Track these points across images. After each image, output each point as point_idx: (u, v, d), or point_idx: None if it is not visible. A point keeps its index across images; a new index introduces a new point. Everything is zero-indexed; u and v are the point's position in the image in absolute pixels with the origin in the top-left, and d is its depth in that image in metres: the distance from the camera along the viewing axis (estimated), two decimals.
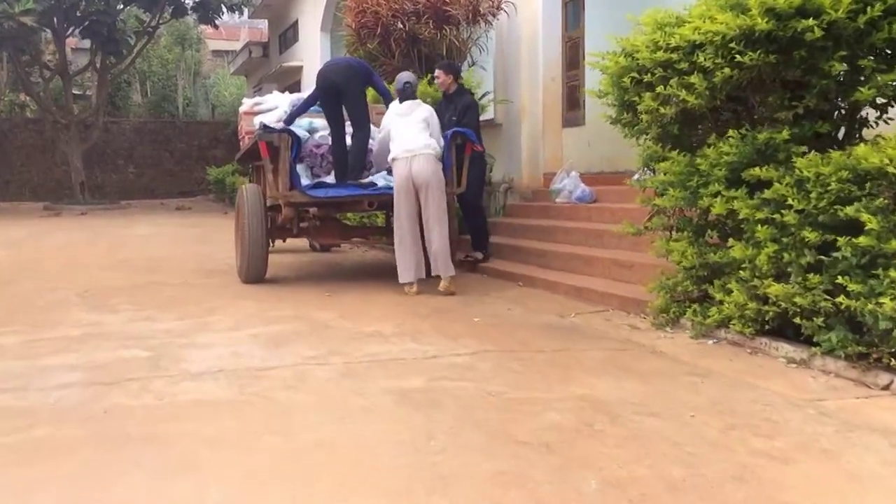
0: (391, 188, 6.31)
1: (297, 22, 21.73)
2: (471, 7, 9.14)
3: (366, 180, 6.69)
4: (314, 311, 5.58)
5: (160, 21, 23.20)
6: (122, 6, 22.09)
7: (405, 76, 6.68)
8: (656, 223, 4.95)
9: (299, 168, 6.83)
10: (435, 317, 5.33)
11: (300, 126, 7.22)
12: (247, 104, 7.75)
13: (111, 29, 21.00)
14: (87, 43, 23.13)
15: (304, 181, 6.64)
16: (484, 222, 7.72)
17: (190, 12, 22.80)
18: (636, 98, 4.67)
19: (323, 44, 19.28)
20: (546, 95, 9.37)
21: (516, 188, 9.69)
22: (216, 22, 23.46)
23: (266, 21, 26.53)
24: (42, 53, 22.38)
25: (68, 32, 22.08)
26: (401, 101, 6.44)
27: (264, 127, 6.43)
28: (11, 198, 24.71)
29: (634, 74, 4.62)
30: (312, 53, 20.02)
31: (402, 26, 8.85)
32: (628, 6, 11.71)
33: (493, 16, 9.44)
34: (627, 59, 4.66)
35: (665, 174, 4.54)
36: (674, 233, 4.86)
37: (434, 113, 6.48)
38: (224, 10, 22.92)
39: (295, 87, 22.37)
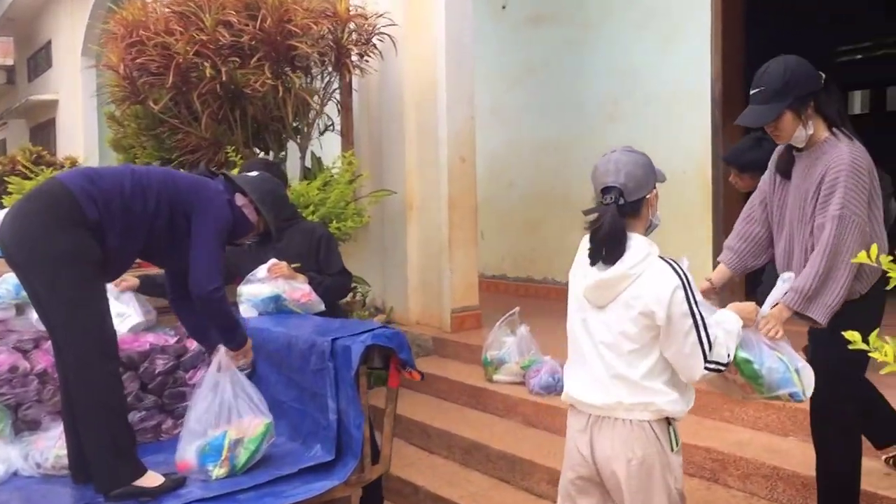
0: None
1: (49, 43, 16.74)
2: (332, 39, 5.40)
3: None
4: None
5: None
6: None
7: None
8: None
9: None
10: None
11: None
12: None
13: None
14: None
15: None
16: None
17: None
18: None
19: (85, 72, 14.59)
20: (453, 185, 5.80)
21: (399, 325, 6.01)
22: None
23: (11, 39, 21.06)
24: None
25: None
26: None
27: None
28: None
29: None
30: (71, 84, 15.24)
31: (212, 72, 4.92)
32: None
33: (362, 56, 5.74)
34: None
35: None
36: None
37: (678, 299, 2.22)
38: None
39: (48, 127, 17.23)
